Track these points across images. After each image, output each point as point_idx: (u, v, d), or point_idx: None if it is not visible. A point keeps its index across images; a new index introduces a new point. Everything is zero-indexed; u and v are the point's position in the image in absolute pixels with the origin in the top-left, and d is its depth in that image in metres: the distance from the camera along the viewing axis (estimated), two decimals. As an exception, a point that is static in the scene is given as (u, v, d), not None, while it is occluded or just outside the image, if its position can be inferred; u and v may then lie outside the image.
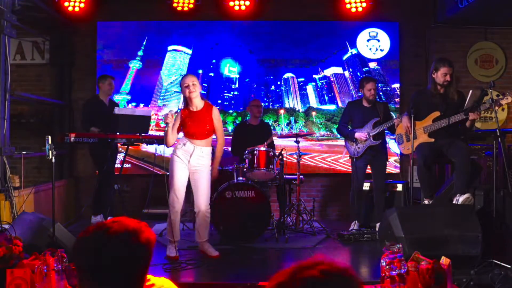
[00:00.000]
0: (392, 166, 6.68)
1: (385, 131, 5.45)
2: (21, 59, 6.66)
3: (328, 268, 1.10)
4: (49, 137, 4.16)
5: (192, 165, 4.42)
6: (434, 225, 3.90)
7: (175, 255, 4.38)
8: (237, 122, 6.60)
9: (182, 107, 4.56)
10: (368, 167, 5.49)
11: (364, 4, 6.36)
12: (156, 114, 6.73)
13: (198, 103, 4.43)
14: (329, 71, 6.85)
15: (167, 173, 6.58)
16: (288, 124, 6.80)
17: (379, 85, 6.71)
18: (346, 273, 1.11)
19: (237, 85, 6.81)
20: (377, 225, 5.12)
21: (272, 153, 5.24)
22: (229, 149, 6.00)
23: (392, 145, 6.43)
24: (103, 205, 5.72)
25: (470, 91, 4.59)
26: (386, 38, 6.82)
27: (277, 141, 6.32)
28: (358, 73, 6.81)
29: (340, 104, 6.81)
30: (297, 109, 6.83)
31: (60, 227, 4.11)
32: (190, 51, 6.81)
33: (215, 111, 4.48)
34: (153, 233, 1.53)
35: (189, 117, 4.40)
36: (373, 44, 6.82)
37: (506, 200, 4.36)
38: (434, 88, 4.77)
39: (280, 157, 5.47)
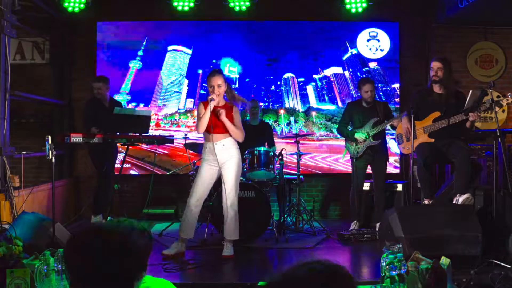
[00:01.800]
0: (392, 166, 6.68)
1: (385, 131, 5.45)
2: (21, 59, 6.66)
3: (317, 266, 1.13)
4: (49, 137, 4.16)
5: (220, 161, 4.44)
6: (434, 225, 3.90)
7: (169, 253, 4.36)
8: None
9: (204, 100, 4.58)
10: (369, 167, 5.49)
11: (364, 4, 6.36)
12: (156, 114, 6.74)
13: (220, 101, 4.49)
14: (329, 71, 6.85)
15: (167, 173, 6.62)
16: (288, 124, 6.80)
17: (379, 85, 6.71)
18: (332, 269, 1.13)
19: (237, 85, 6.80)
20: (377, 225, 5.12)
21: (272, 153, 5.24)
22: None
23: (392, 145, 6.43)
24: (103, 205, 5.73)
25: (470, 91, 4.59)
26: (386, 38, 6.82)
27: (276, 142, 6.32)
28: (358, 73, 6.81)
29: (340, 104, 6.81)
30: (297, 109, 6.83)
31: (60, 227, 4.12)
32: (190, 51, 6.81)
33: (236, 109, 4.55)
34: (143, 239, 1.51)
35: (211, 111, 4.42)
36: (373, 44, 6.82)
37: (506, 200, 4.36)
38: (431, 87, 4.79)
39: (280, 157, 5.48)
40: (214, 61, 6.76)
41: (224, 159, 4.45)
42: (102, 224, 1.48)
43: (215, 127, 4.42)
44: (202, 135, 4.74)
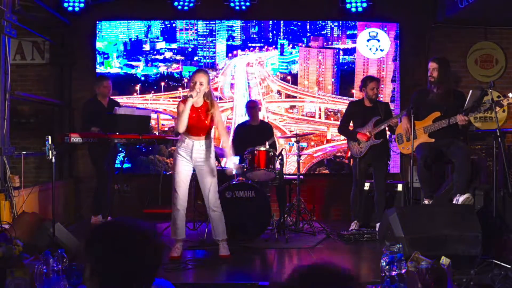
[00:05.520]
0: (392, 166, 6.68)
1: (386, 131, 5.45)
2: (21, 59, 6.66)
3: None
4: (49, 137, 4.16)
5: (195, 160, 4.41)
6: (434, 225, 3.90)
7: (177, 255, 4.38)
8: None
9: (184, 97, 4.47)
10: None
11: (364, 4, 6.36)
12: (156, 114, 6.73)
13: (199, 101, 4.38)
14: (329, 71, 6.85)
15: (167, 173, 6.61)
16: (288, 124, 6.79)
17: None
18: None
19: (237, 85, 6.81)
20: (377, 225, 5.12)
21: (272, 153, 5.24)
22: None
23: (393, 145, 6.42)
24: (103, 205, 5.73)
25: (470, 91, 4.59)
26: (386, 38, 6.82)
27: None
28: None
29: (340, 104, 6.81)
30: (297, 109, 6.82)
31: (60, 227, 4.12)
32: (189, 50, 6.81)
33: (216, 105, 4.42)
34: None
35: (190, 111, 4.34)
36: (373, 44, 6.82)
37: (506, 200, 4.36)
38: (430, 87, 4.80)
39: (280, 157, 5.47)
40: (213, 60, 6.76)
41: (199, 158, 4.39)
42: (124, 219, 1.47)
43: (195, 128, 4.36)
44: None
